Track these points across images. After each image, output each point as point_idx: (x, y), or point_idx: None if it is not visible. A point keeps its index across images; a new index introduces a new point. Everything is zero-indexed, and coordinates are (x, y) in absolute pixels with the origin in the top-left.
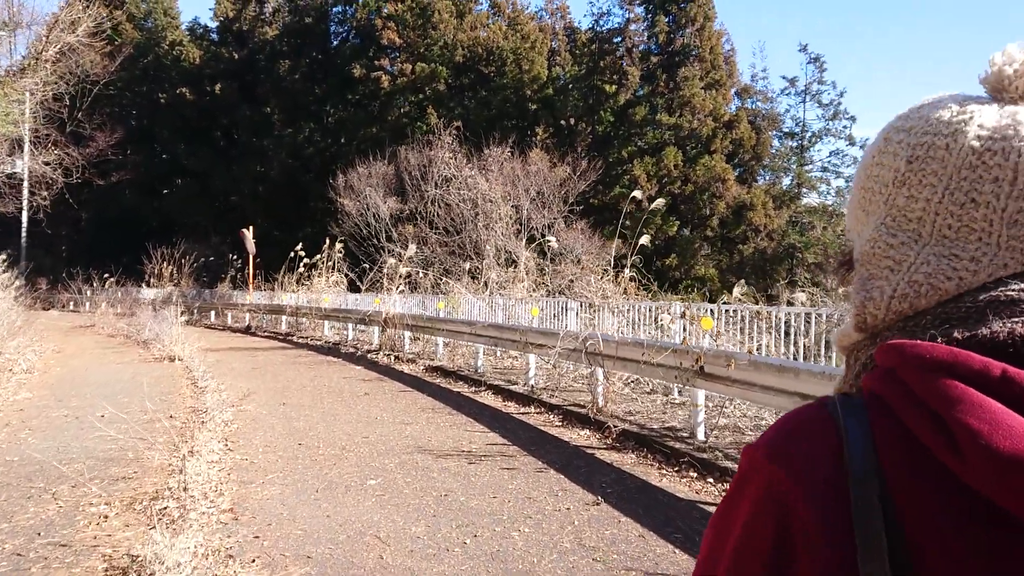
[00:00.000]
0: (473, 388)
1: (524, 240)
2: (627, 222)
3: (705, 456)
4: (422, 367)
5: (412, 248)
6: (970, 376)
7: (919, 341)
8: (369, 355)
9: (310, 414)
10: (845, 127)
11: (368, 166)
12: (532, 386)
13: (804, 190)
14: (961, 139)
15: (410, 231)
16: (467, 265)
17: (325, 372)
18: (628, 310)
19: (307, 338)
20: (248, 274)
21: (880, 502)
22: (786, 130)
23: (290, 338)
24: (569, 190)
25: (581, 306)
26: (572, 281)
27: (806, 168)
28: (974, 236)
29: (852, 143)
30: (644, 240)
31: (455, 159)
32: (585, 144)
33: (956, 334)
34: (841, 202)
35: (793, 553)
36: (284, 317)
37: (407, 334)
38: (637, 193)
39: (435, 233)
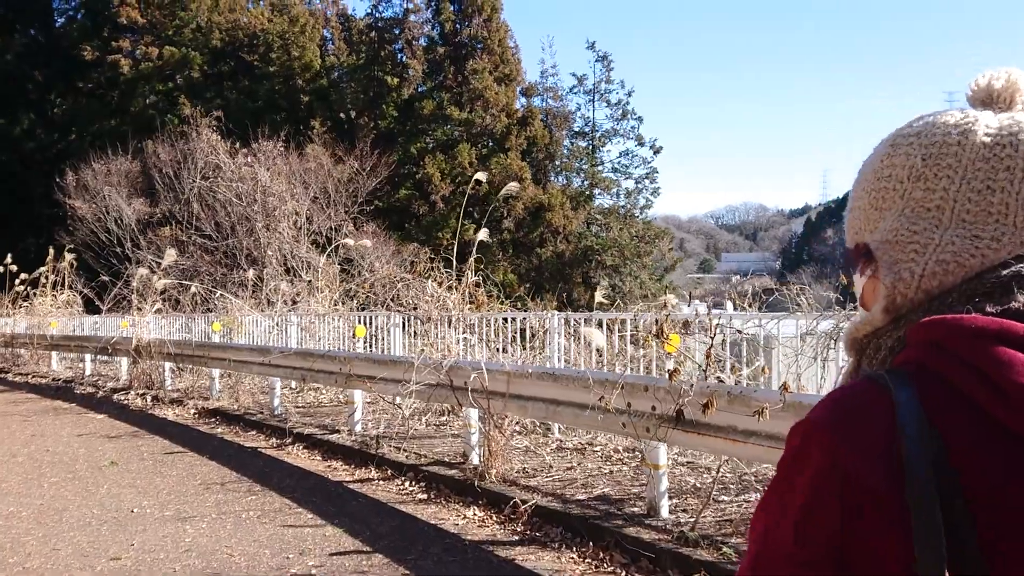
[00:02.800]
0: (275, 440)
1: (309, 244)
2: (418, 224)
3: (684, 551)
4: (193, 410)
5: (171, 254)
6: (1016, 341)
7: (962, 315)
8: (116, 396)
9: (19, 511)
10: (633, 127)
11: (107, 162)
12: (362, 434)
13: (597, 191)
14: (972, 137)
15: (166, 235)
16: (249, 273)
17: (51, 426)
18: (481, 324)
19: (28, 375)
20: None
21: (937, 462)
22: (577, 129)
23: (3, 376)
24: (358, 188)
25: (409, 322)
26: (392, 290)
27: (598, 168)
28: (992, 219)
29: (641, 143)
30: (483, 235)
31: (223, 146)
32: (368, 140)
33: (989, 308)
34: (632, 203)
35: (861, 520)
36: None
37: (168, 365)
38: (481, 175)
39: (199, 236)
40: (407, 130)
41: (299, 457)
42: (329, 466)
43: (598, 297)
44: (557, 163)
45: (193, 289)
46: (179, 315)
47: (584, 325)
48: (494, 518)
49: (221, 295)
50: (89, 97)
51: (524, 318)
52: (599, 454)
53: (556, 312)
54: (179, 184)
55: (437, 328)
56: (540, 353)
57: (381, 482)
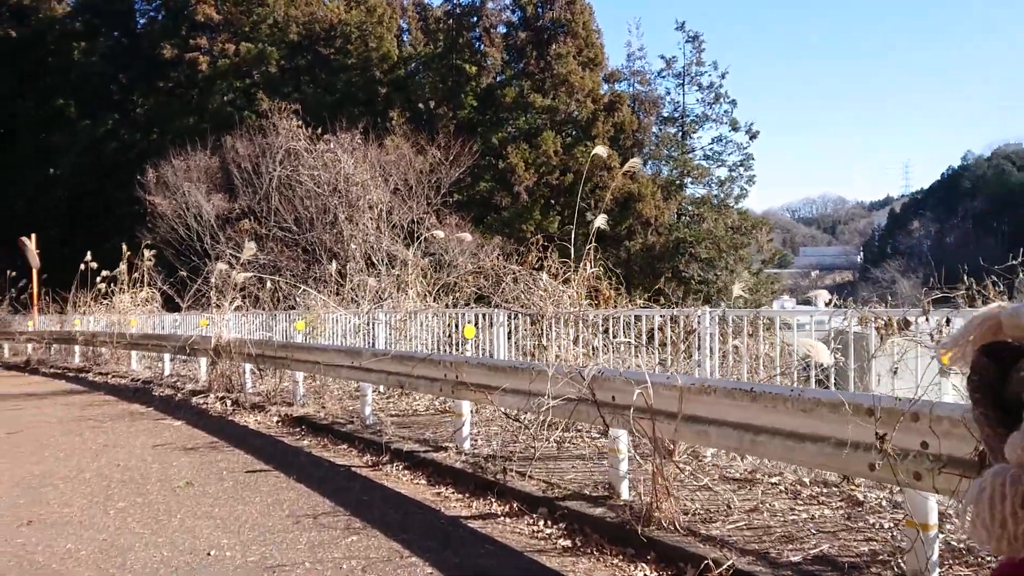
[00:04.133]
0: (370, 457)
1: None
2: (500, 217)
3: None
4: (276, 418)
5: (250, 247)
6: None
7: None
8: (195, 399)
9: (77, 549)
10: (727, 111)
11: (186, 159)
12: (472, 453)
13: (688, 180)
14: None
15: (245, 228)
16: (332, 267)
17: (125, 435)
18: (608, 323)
19: (108, 374)
20: (31, 294)
21: None
22: (666, 115)
23: (84, 375)
24: (440, 179)
25: (514, 321)
26: (496, 285)
27: (688, 156)
28: None
29: (735, 128)
30: (600, 222)
31: (304, 131)
32: (448, 131)
33: None
34: (727, 191)
35: None
36: (77, 347)
37: (248, 367)
38: (601, 150)
39: (279, 229)
40: (487, 120)
41: (400, 481)
42: (438, 494)
43: (737, 290)
44: (645, 151)
45: (272, 284)
46: (259, 312)
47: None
48: None
49: (304, 291)
50: (169, 96)
51: (663, 316)
52: (780, 488)
53: (708, 309)
54: (257, 179)
55: (553, 328)
56: (687, 359)
57: (507, 520)
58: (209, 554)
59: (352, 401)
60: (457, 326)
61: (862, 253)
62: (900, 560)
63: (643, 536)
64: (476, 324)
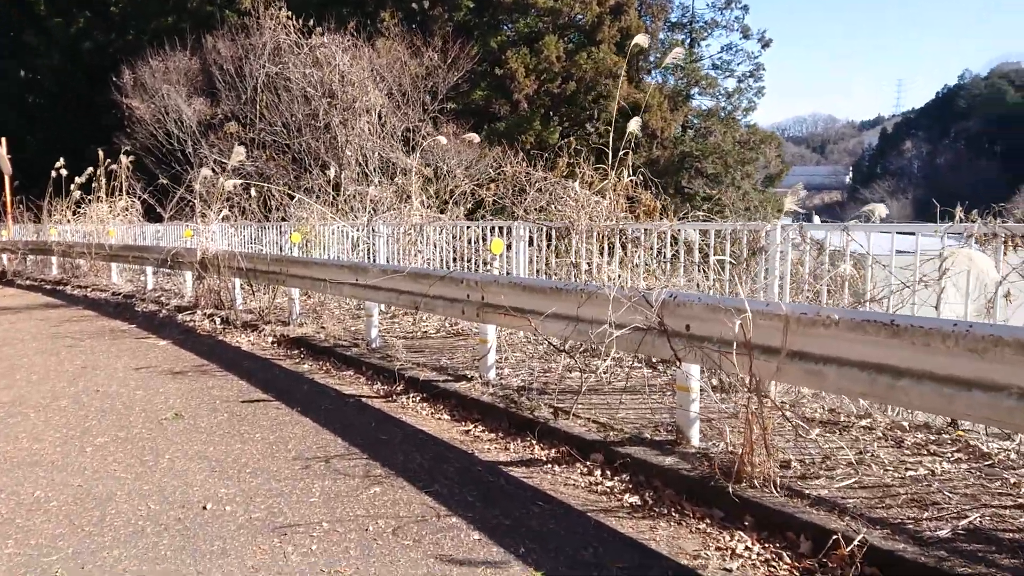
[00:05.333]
0: (381, 386)
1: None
2: (495, 127)
3: None
4: (271, 338)
5: (239, 151)
6: None
7: None
8: (181, 316)
9: (47, 497)
10: (738, 18)
11: (165, 59)
12: (500, 384)
13: (696, 90)
14: None
15: (231, 131)
16: (330, 172)
17: (105, 356)
18: (652, 238)
19: (87, 287)
20: (5, 202)
21: None
22: (674, 20)
23: (62, 288)
24: (437, 84)
25: (539, 234)
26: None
27: (697, 64)
28: None
29: (746, 36)
30: (633, 126)
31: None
32: (443, 34)
33: None
34: (735, 104)
35: None
36: (54, 259)
37: (238, 282)
38: (642, 39)
39: (267, 133)
40: (485, 22)
41: (420, 415)
42: (467, 432)
43: (788, 204)
44: (651, 59)
45: (261, 194)
46: (248, 224)
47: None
48: (786, 559)
49: (299, 200)
50: None
51: (721, 231)
52: (877, 434)
53: (780, 223)
54: (241, 83)
55: (585, 243)
56: (751, 283)
57: (556, 468)
58: (205, 508)
59: (354, 321)
60: (471, 241)
61: (851, 173)
62: None
63: (735, 496)
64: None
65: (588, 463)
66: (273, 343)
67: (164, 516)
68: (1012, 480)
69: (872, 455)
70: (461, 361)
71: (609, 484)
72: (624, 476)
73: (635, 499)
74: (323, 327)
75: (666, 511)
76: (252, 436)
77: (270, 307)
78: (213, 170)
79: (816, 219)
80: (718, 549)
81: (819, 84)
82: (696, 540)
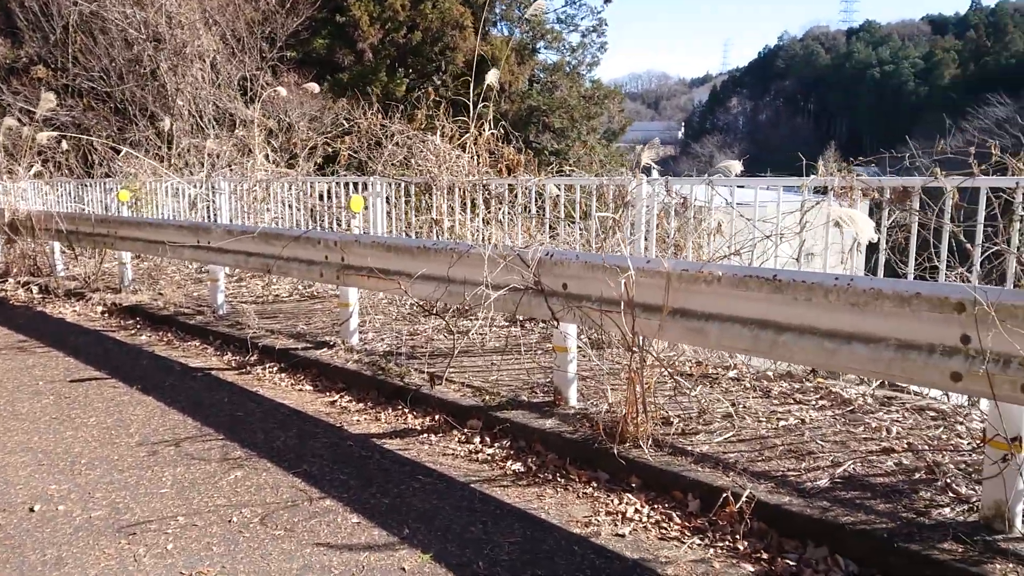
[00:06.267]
0: (231, 357)
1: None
2: (337, 79)
3: None
4: (100, 307)
5: (48, 98)
6: None
7: None
8: None
9: None
10: None
11: None
12: (365, 350)
13: (542, 44)
14: None
15: (40, 75)
16: (166, 123)
17: None
18: (515, 194)
19: None
20: None
21: None
22: None
23: None
24: (275, 30)
25: (396, 190)
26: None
27: (543, 17)
28: None
29: None
30: (491, 78)
31: None
32: None
33: None
34: (579, 58)
35: None
36: None
37: (58, 246)
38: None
39: (85, 79)
40: None
41: (279, 387)
42: (333, 404)
43: (646, 158)
44: (497, 11)
45: (81, 146)
46: (67, 181)
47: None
48: (676, 519)
49: (126, 154)
50: None
51: (592, 186)
52: (744, 384)
53: (646, 178)
54: (48, 22)
55: (446, 200)
56: (613, 240)
57: (432, 437)
58: (32, 510)
59: (196, 286)
60: (322, 197)
61: (683, 128)
62: (954, 484)
63: (620, 456)
64: (346, 196)
65: (466, 430)
66: (103, 313)
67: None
68: (873, 424)
69: (744, 407)
70: (320, 327)
71: (490, 451)
72: (504, 442)
73: (518, 466)
74: (161, 294)
75: (551, 476)
76: (86, 421)
77: (97, 273)
78: (19, 120)
79: (655, 173)
80: (608, 514)
81: (653, 41)
82: (585, 506)
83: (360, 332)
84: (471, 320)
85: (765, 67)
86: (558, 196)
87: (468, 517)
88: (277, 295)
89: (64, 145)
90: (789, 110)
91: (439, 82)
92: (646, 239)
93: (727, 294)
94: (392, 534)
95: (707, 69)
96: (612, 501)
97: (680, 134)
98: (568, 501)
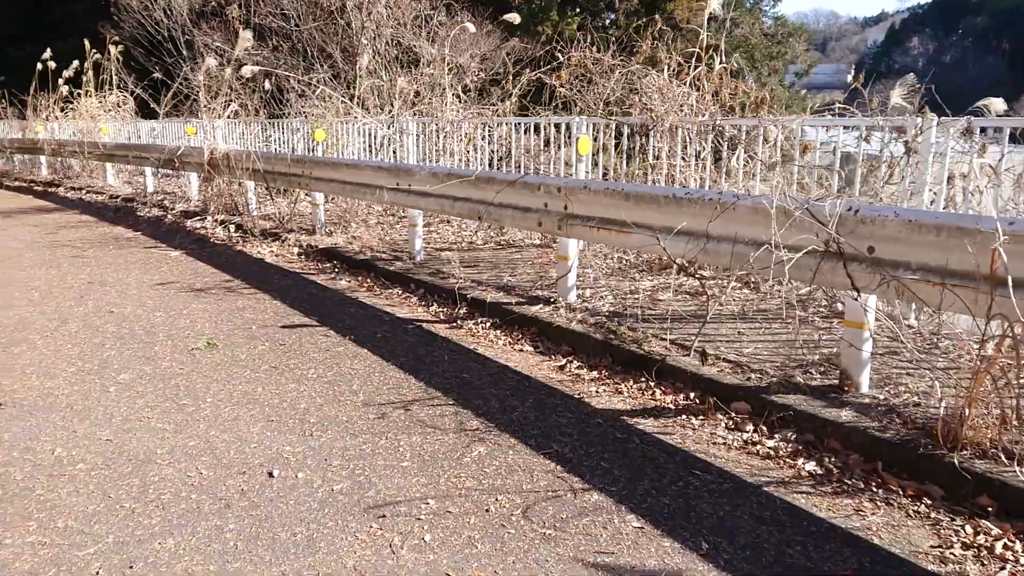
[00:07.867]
0: (437, 308)
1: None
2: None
3: None
4: (296, 248)
5: (246, 37)
6: None
7: None
8: (189, 222)
9: (71, 457)
10: None
11: None
12: (587, 309)
13: None
14: None
15: (235, 14)
16: (363, 60)
17: (113, 269)
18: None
19: (81, 189)
20: None
21: None
22: None
23: (54, 190)
24: None
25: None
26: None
27: None
28: None
29: None
30: (715, 3)
31: None
32: None
33: None
34: None
35: None
36: (43, 158)
37: (252, 185)
38: None
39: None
40: None
41: (497, 345)
42: (562, 369)
43: (895, 98)
44: None
45: (272, 86)
46: (259, 121)
47: None
48: None
49: (319, 93)
50: None
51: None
52: None
53: (932, 117)
54: None
55: (667, 143)
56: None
57: (694, 420)
58: (271, 475)
59: (389, 230)
60: (526, 134)
61: (854, 72)
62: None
63: (963, 469)
64: (551, 138)
65: (732, 416)
66: (300, 254)
67: (222, 487)
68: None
69: None
70: (527, 279)
71: (770, 444)
72: (787, 433)
73: (812, 466)
74: (355, 237)
75: (861, 484)
76: (305, 374)
77: (291, 214)
78: (219, 61)
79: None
80: (965, 547)
81: None
82: (926, 531)
83: (578, 288)
84: (725, 282)
85: (953, 2)
86: (810, 141)
87: (777, 533)
88: (472, 242)
89: (266, 84)
90: (978, 49)
91: (609, 21)
92: (933, 192)
93: None
94: (687, 548)
95: (882, 7)
96: (964, 529)
97: (850, 78)
98: (899, 522)
